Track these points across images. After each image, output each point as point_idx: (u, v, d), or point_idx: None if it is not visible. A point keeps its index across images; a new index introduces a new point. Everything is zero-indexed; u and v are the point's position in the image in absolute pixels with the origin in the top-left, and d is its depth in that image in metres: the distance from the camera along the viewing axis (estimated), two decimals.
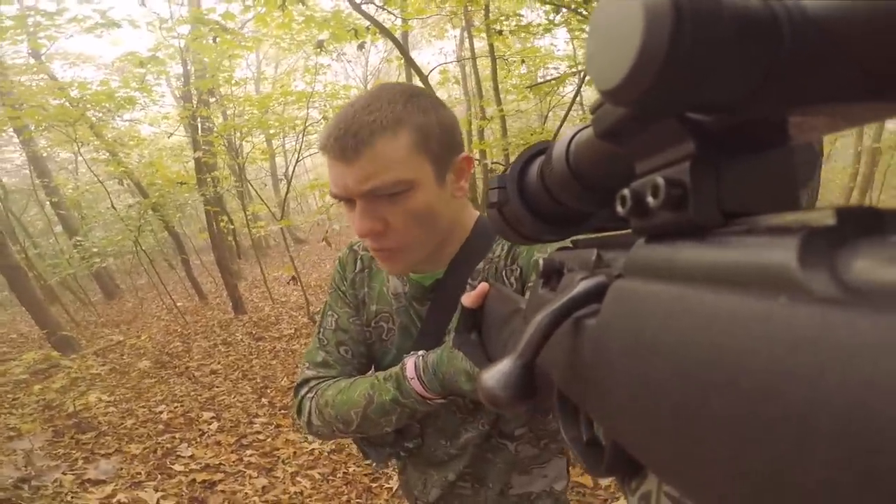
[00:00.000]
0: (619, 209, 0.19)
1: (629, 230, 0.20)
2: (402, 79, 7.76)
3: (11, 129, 6.17)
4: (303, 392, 0.78)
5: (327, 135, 0.63)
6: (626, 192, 0.18)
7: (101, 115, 5.91)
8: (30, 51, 5.46)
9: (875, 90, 0.13)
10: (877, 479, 0.09)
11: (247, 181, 7.33)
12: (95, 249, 6.75)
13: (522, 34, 5.12)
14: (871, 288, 0.11)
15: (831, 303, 0.11)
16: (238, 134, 6.95)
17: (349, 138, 0.60)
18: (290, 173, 6.60)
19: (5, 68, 5.01)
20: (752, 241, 0.14)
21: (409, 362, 0.68)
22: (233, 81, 6.52)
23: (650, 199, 0.17)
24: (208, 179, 6.52)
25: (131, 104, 5.88)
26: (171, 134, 7.89)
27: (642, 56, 0.13)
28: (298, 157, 6.90)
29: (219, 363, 4.57)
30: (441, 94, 7.69)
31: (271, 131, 7.01)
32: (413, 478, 0.87)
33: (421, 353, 0.68)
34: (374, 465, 0.84)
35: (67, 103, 4.99)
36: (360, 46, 5.62)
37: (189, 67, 6.03)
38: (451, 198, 0.69)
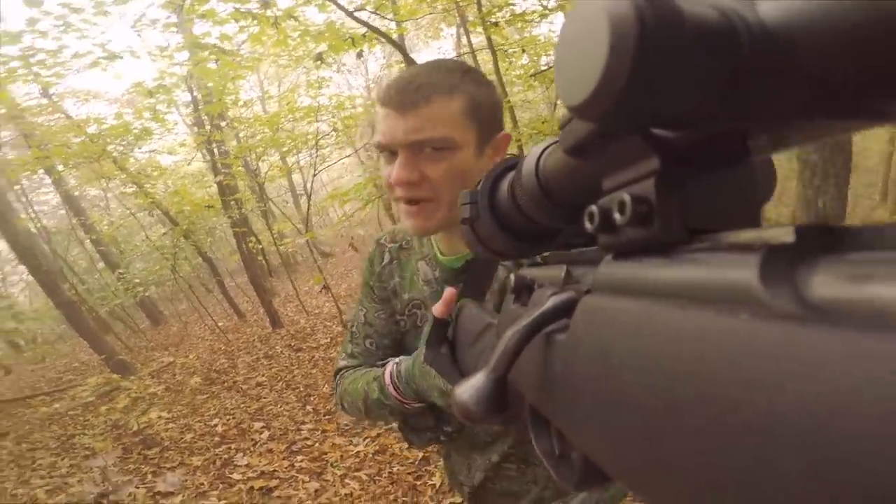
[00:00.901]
0: (588, 226, 0.19)
1: (597, 246, 0.20)
2: None
3: (43, 171, 6.43)
4: (336, 379, 0.86)
5: (388, 87, 0.67)
6: (593, 208, 0.19)
7: (122, 148, 6.15)
8: (41, 91, 5.71)
9: (833, 105, 0.13)
10: (841, 489, 0.09)
11: (269, 199, 7.54)
12: (137, 280, 7.07)
13: (518, 24, 5.14)
14: (829, 304, 0.11)
15: (791, 319, 0.11)
16: (253, 155, 7.14)
17: (410, 91, 0.65)
18: (309, 189, 6.77)
19: (21, 110, 5.27)
20: (715, 258, 0.14)
21: (387, 368, 0.71)
22: (240, 103, 6.71)
23: (617, 216, 0.17)
24: (232, 203, 6.75)
25: (148, 135, 6.11)
26: (190, 161, 8.15)
27: (608, 71, 0.13)
28: (315, 172, 7.08)
29: (263, 375, 4.74)
30: None
31: (284, 149, 7.18)
32: (457, 463, 0.87)
33: (396, 360, 0.71)
34: (415, 448, 0.83)
35: (88, 140, 5.23)
36: (359, 55, 5.66)
37: (196, 94, 6.23)
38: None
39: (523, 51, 5.90)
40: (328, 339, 5.43)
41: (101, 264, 8.04)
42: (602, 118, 0.15)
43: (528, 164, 0.25)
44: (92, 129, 5.36)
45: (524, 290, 0.30)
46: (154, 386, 4.36)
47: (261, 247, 7.83)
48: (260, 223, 9.08)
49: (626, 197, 0.17)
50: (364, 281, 0.89)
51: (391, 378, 0.70)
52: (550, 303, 0.22)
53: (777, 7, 0.13)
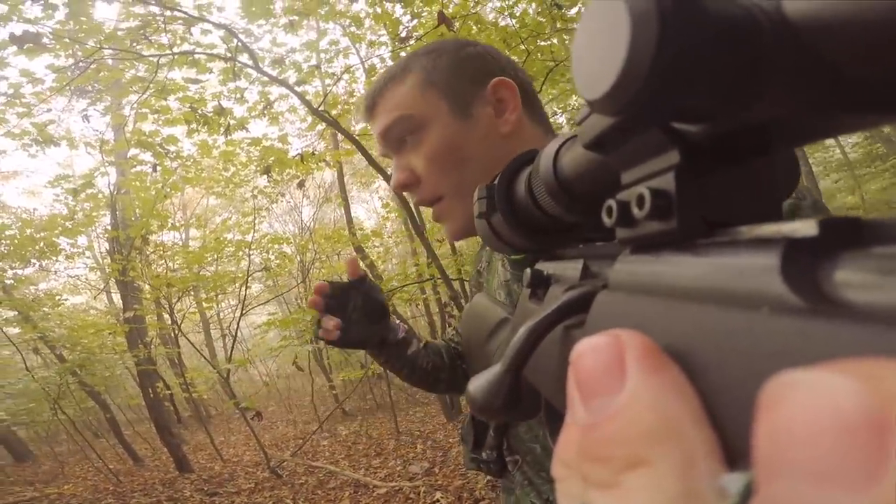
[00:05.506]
0: (606, 220, 0.19)
1: (615, 241, 0.19)
2: (343, 221, 7.75)
3: None
4: None
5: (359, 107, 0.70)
6: (612, 202, 0.19)
7: (16, 265, 5.34)
8: None
9: (855, 100, 0.13)
10: None
11: (184, 336, 6.63)
12: (6, 417, 5.63)
13: None
14: (852, 299, 0.11)
15: (812, 314, 0.11)
16: (170, 291, 6.41)
17: (369, 96, 0.67)
18: (234, 329, 6.11)
19: None
20: (735, 252, 0.14)
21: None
22: (168, 225, 6.25)
23: (636, 210, 0.17)
24: (140, 344, 5.85)
25: (54, 252, 5.36)
26: (98, 293, 7.24)
27: (629, 65, 0.13)
28: (243, 311, 6.46)
29: None
30: None
31: (209, 287, 6.56)
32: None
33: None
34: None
35: None
36: (300, 185, 5.67)
37: (119, 211, 5.72)
38: (496, 135, 0.64)
39: None
40: (252, 484, 4.63)
41: None
42: (621, 113, 0.14)
43: (546, 158, 0.25)
44: None
45: (540, 286, 0.29)
46: None
47: (169, 392, 6.71)
48: (169, 371, 7.99)
49: (645, 191, 0.17)
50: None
51: None
52: (566, 298, 0.21)
53: (801, 4, 0.12)
